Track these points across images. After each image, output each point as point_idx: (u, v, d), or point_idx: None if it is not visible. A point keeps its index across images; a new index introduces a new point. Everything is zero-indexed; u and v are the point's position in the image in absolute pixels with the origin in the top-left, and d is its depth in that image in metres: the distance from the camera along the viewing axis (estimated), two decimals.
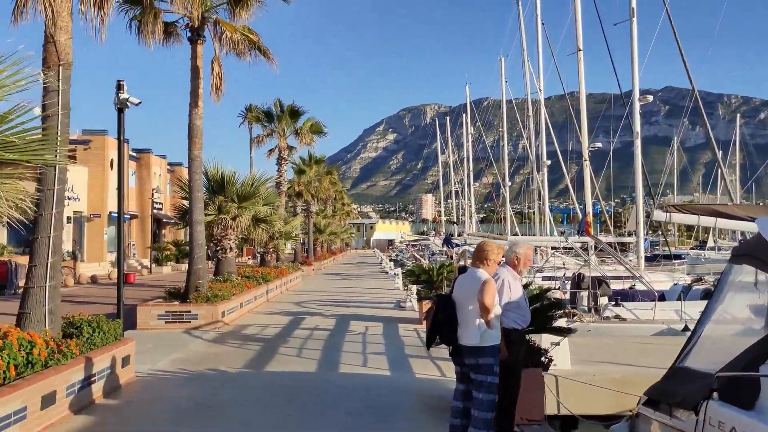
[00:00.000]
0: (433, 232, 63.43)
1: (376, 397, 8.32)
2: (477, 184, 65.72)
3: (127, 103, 11.76)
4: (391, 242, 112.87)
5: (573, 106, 27.29)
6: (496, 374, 5.74)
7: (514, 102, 46.10)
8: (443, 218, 64.42)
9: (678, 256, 32.33)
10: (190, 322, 14.43)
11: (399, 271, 28.24)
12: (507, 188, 46.64)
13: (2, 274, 23.79)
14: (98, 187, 41.05)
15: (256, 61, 17.22)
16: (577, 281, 16.80)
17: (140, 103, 11.92)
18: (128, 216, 44.35)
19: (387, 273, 39.21)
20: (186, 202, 20.22)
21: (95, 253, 40.93)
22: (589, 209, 26.00)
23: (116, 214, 11.14)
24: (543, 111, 33.86)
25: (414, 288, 18.37)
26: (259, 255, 28.92)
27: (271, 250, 27.04)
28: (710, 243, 44.00)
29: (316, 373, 9.84)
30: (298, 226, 32.34)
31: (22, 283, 14.72)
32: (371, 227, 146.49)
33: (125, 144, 13.95)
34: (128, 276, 26.37)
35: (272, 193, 23.69)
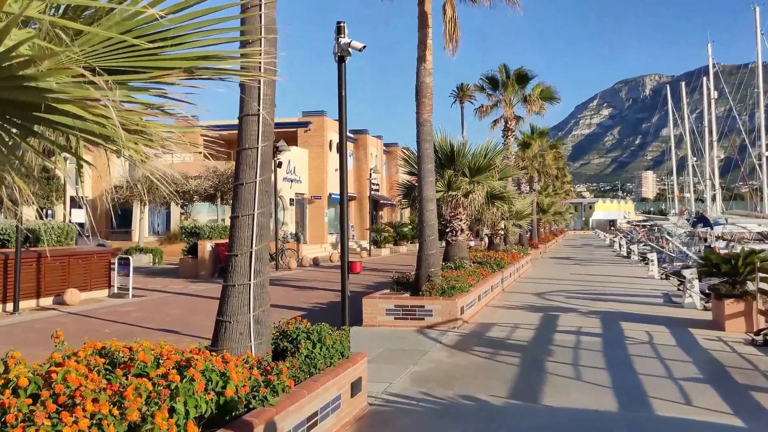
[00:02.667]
0: (673, 212, 56.10)
1: None
2: (719, 158, 58.37)
3: (349, 49, 9.40)
4: (612, 222, 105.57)
5: None
6: None
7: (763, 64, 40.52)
8: (685, 195, 56.99)
9: None
10: (423, 319, 11.97)
11: (654, 256, 23.70)
12: (765, 158, 41.52)
13: (225, 256, 23.39)
14: (319, 169, 41.02)
15: (496, 4, 14.26)
16: None
17: (364, 47, 9.52)
18: (348, 197, 44.09)
19: (628, 257, 34.45)
20: (409, 178, 17.96)
21: (316, 234, 41.02)
22: None
23: (336, 196, 8.80)
24: None
25: (696, 282, 14.32)
26: (486, 237, 26.10)
27: (500, 231, 24.02)
28: None
29: (620, 414, 6.65)
30: (529, 205, 29.01)
31: None
32: (590, 207, 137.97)
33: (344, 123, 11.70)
34: (353, 265, 24.73)
35: (507, 166, 20.60)
